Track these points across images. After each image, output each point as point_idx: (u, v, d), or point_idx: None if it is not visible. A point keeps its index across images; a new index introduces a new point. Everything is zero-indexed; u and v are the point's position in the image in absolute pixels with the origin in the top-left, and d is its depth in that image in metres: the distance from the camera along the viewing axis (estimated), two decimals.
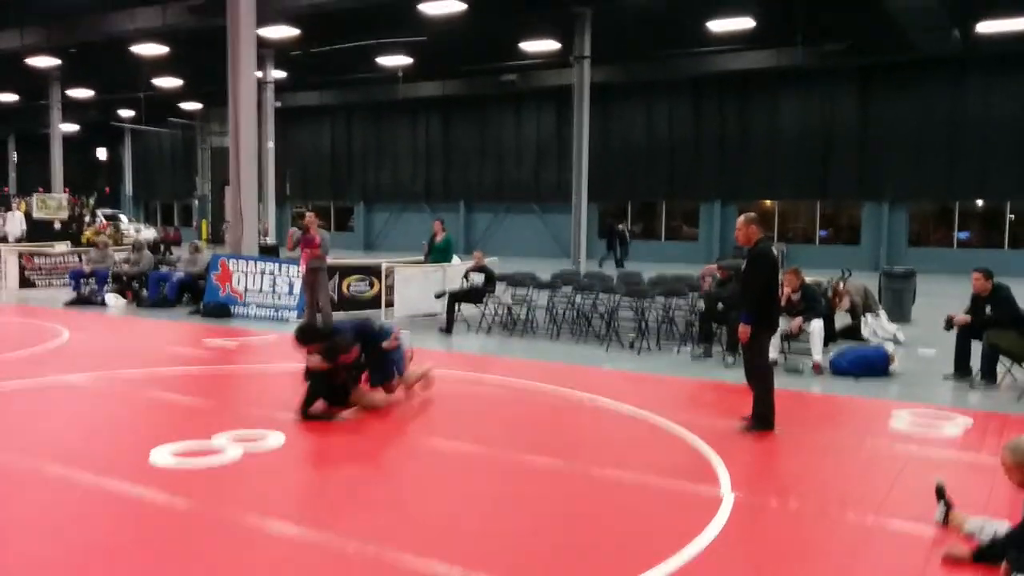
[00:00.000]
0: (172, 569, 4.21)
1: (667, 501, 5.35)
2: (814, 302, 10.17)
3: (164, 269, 16.24)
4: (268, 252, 20.47)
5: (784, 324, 9.63)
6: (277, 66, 30.36)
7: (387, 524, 4.83)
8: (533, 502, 5.32)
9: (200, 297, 14.67)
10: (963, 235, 29.02)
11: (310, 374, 7.06)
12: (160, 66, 29.66)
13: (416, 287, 13.80)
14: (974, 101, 27.44)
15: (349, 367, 7.16)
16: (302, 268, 12.25)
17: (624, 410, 7.66)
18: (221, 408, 7.70)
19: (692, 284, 12.22)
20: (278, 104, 32.23)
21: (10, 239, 24.05)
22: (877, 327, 12.01)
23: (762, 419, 6.90)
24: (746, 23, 22.37)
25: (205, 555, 4.40)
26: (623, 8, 22.14)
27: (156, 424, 7.11)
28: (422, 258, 15.13)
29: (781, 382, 7.91)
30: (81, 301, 15.34)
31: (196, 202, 42.11)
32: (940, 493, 4.89)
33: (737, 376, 8.01)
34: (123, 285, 15.79)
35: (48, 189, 30.91)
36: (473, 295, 13.03)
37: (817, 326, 9.83)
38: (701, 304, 11.29)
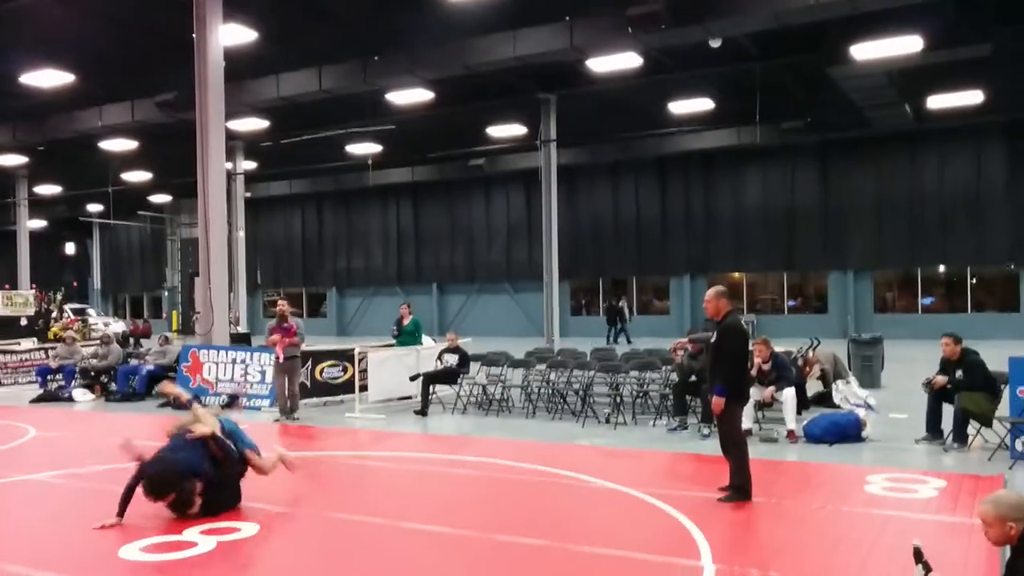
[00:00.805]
0: None
1: (650, 575, 5.30)
2: (785, 371, 10.30)
3: (133, 362, 16.05)
4: (240, 340, 20.32)
5: (757, 393, 9.72)
6: (247, 157, 30.59)
7: None
8: None
9: None
10: (927, 300, 29.58)
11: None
12: (129, 160, 29.85)
13: (389, 370, 13.74)
14: (930, 172, 28.35)
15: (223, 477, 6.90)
16: (280, 356, 12.19)
17: (602, 485, 7.62)
18: None
19: (665, 358, 12.30)
20: (248, 194, 32.41)
21: None
22: (848, 393, 12.11)
23: (739, 490, 6.95)
24: (706, 104, 23.17)
25: None
26: (586, 94, 22.82)
27: (125, 521, 6.93)
28: (392, 342, 15.14)
29: (756, 451, 7.93)
30: (48, 398, 15.09)
31: (166, 293, 41.85)
32: (918, 556, 4.87)
33: (713, 447, 8.02)
34: (91, 380, 15.56)
35: (15, 286, 30.62)
36: (447, 376, 13.02)
37: (789, 394, 9.94)
38: (674, 377, 11.36)
